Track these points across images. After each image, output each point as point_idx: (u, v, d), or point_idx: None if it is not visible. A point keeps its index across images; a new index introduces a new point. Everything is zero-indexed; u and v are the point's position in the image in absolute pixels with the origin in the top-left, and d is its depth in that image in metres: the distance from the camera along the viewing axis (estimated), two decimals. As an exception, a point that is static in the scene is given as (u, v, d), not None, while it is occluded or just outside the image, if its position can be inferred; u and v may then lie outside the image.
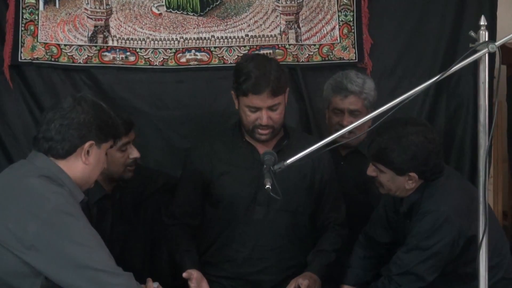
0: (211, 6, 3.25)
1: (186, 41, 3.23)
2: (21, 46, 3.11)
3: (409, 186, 2.50)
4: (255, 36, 3.28)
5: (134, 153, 2.69)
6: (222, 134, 2.81)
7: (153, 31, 3.21)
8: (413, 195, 2.53)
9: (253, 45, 3.27)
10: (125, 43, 3.19)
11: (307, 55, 3.32)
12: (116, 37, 3.18)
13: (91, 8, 3.15)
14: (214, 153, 2.74)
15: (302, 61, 3.31)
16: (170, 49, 3.22)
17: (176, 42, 3.22)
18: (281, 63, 3.22)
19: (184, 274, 2.53)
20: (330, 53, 3.34)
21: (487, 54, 2.02)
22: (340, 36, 3.34)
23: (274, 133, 2.67)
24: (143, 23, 3.20)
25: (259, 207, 2.69)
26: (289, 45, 3.29)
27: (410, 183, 2.50)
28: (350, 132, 2.35)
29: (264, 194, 2.62)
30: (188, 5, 3.23)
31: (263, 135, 2.64)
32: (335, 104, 2.99)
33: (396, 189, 2.53)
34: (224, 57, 3.25)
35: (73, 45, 3.15)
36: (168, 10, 3.22)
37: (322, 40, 3.33)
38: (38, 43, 3.12)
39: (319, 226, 2.84)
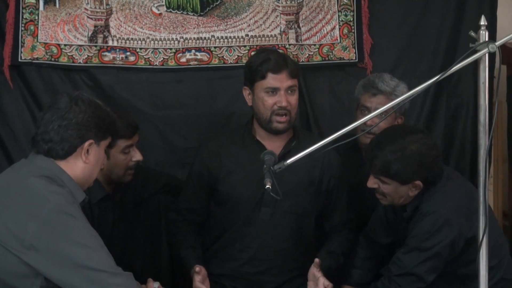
0: (211, 6, 3.25)
1: (186, 41, 3.23)
2: (21, 46, 3.10)
3: (413, 193, 2.50)
4: (255, 36, 3.28)
5: (137, 156, 2.69)
6: (232, 133, 2.80)
7: (153, 31, 3.21)
8: (417, 200, 2.53)
9: (253, 45, 3.26)
10: (125, 43, 3.19)
11: (307, 55, 3.32)
12: (116, 37, 3.18)
13: (91, 8, 3.15)
14: (223, 151, 2.73)
15: (302, 61, 3.31)
16: (170, 49, 3.22)
17: (176, 42, 3.22)
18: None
19: (197, 268, 2.52)
20: (330, 53, 3.34)
21: (487, 54, 2.02)
22: (340, 36, 3.34)
23: (290, 123, 2.66)
24: (143, 23, 3.20)
25: (265, 208, 2.67)
26: (289, 45, 3.29)
27: (414, 190, 2.49)
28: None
29: (270, 195, 2.62)
30: (188, 5, 3.23)
31: (281, 123, 2.62)
32: (363, 101, 2.93)
33: (399, 198, 2.52)
34: (224, 57, 3.25)
35: (73, 45, 3.15)
36: (168, 10, 3.22)
37: (322, 40, 3.34)
38: (38, 43, 3.12)
39: (328, 229, 2.83)
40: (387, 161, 2.43)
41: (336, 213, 2.81)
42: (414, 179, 2.45)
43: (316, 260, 2.56)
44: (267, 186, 2.14)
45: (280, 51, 3.26)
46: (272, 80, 2.59)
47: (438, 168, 2.50)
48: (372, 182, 2.53)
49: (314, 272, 2.55)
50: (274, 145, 2.65)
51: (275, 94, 2.60)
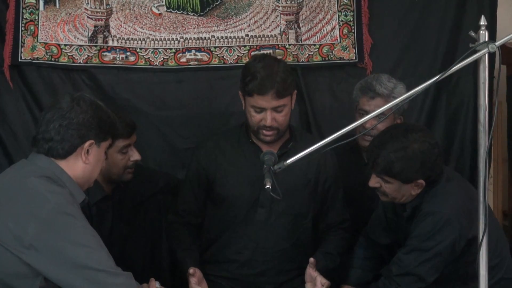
0: (211, 6, 3.25)
1: (186, 41, 3.23)
2: (21, 46, 3.11)
3: (415, 192, 2.50)
4: (255, 36, 3.28)
5: (135, 156, 2.69)
6: (228, 133, 2.80)
7: (153, 31, 3.21)
8: (417, 199, 2.53)
9: (253, 45, 3.27)
10: (125, 43, 3.19)
11: (307, 55, 3.32)
12: (116, 37, 3.18)
13: (91, 8, 3.15)
14: (219, 152, 2.73)
15: (302, 61, 3.31)
16: (170, 49, 3.22)
17: (176, 42, 3.22)
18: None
19: (191, 271, 2.51)
20: (330, 53, 3.34)
21: (487, 54, 2.02)
22: (340, 36, 3.34)
23: (279, 135, 2.65)
24: (143, 23, 3.20)
25: (261, 209, 2.68)
26: (289, 45, 3.29)
27: (416, 189, 2.49)
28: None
29: (266, 195, 2.61)
30: (188, 5, 3.23)
31: (267, 136, 2.62)
32: (361, 104, 2.91)
33: (401, 196, 2.51)
34: (224, 57, 3.25)
35: (73, 45, 3.15)
36: (168, 10, 3.22)
37: (322, 40, 3.33)
38: (38, 43, 3.12)
39: (323, 229, 2.83)
40: (390, 160, 2.42)
41: (332, 213, 2.81)
42: (417, 178, 2.45)
43: (311, 259, 2.56)
44: (267, 186, 2.14)
45: (280, 51, 3.27)
46: (258, 99, 2.55)
47: (440, 167, 2.50)
48: (374, 182, 2.51)
49: (311, 272, 2.55)
50: (269, 146, 2.65)
51: (261, 112, 2.58)
